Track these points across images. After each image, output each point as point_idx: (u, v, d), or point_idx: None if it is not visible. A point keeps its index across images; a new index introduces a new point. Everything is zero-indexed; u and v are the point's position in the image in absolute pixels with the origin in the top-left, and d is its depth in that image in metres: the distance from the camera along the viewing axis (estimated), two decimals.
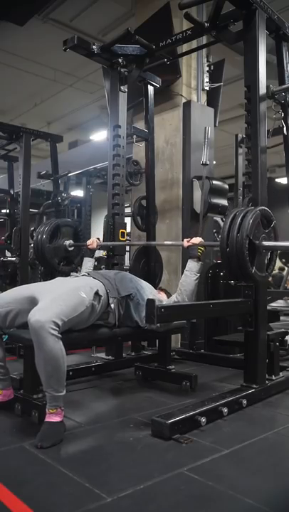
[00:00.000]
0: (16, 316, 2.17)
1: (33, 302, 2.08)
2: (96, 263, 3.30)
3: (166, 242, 3.62)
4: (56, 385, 1.92)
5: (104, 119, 6.25)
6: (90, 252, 3.11)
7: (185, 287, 2.54)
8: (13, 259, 4.19)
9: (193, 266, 2.59)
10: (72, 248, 3.37)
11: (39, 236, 3.28)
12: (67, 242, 3.34)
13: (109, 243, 3.26)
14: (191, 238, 2.66)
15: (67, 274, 3.27)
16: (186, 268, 2.61)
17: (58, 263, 3.38)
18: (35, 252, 3.34)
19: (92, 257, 3.13)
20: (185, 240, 2.69)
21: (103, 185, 7.05)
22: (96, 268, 3.62)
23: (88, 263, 3.09)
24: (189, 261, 2.62)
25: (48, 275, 4.86)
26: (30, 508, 1.37)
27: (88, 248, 3.11)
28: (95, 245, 3.10)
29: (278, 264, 8.88)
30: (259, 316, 2.52)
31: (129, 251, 4.98)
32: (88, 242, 3.12)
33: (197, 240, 2.63)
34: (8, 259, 4.42)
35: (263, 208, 2.31)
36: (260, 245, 2.25)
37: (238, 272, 2.22)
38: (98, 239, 3.16)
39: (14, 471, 1.65)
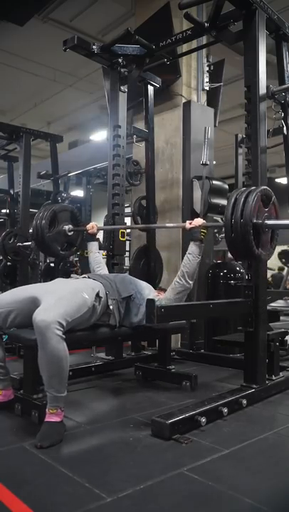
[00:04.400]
0: (16, 317, 2.17)
1: (34, 303, 2.08)
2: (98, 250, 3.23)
3: (167, 225, 3.60)
4: (58, 385, 1.92)
5: (104, 119, 6.27)
6: (91, 237, 3.09)
7: (188, 269, 2.53)
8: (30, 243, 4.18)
9: (195, 249, 2.57)
10: (72, 232, 3.27)
11: (38, 221, 3.13)
12: (66, 227, 3.21)
13: (108, 227, 3.25)
14: (193, 220, 2.63)
15: (67, 275, 3.26)
16: (189, 251, 2.59)
17: (60, 249, 3.26)
18: (35, 237, 3.18)
19: (94, 241, 3.11)
20: (187, 222, 2.65)
21: (103, 185, 7.05)
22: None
23: (93, 247, 3.07)
24: (191, 243, 2.59)
25: (48, 275, 4.88)
26: (30, 508, 1.37)
27: (88, 233, 3.09)
28: (95, 230, 3.08)
29: (278, 264, 8.88)
30: (259, 316, 2.52)
31: (129, 251, 4.98)
32: (88, 227, 3.09)
33: (199, 221, 2.60)
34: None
35: (264, 187, 2.29)
36: (263, 225, 2.23)
37: (243, 252, 2.26)
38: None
39: (14, 471, 1.65)
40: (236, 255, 2.37)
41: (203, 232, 2.59)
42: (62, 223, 3.21)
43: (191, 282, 2.57)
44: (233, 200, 2.22)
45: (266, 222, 2.24)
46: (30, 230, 3.40)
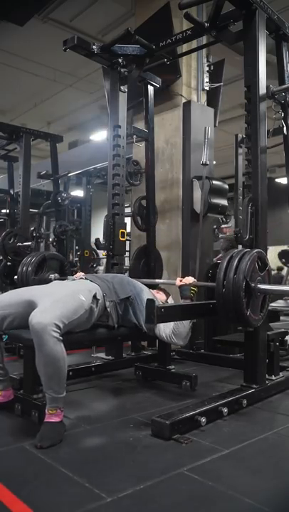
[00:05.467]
0: (13, 320, 2.16)
1: (31, 306, 2.07)
2: None
3: (157, 280, 3.50)
4: (56, 386, 1.92)
5: (104, 119, 6.29)
6: None
7: (178, 330, 2.44)
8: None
9: None
10: None
11: (24, 268, 3.15)
12: (52, 276, 3.21)
13: (99, 275, 3.20)
14: (184, 278, 2.60)
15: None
16: None
17: None
18: (19, 283, 3.18)
19: None
20: (178, 279, 2.63)
21: (103, 185, 7.04)
22: None
23: None
24: (182, 302, 2.54)
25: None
26: (30, 508, 1.37)
27: None
28: None
29: (278, 263, 8.88)
30: None
31: (129, 251, 4.98)
32: (75, 278, 3.05)
33: (189, 279, 2.56)
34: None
35: (259, 250, 2.28)
36: (255, 288, 2.20)
37: (232, 314, 2.18)
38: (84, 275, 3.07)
39: (14, 471, 1.65)
40: (224, 315, 2.24)
41: (194, 290, 2.54)
42: (50, 271, 3.21)
43: (182, 343, 2.53)
44: (227, 258, 2.19)
45: (259, 286, 2.21)
46: (16, 277, 3.39)
